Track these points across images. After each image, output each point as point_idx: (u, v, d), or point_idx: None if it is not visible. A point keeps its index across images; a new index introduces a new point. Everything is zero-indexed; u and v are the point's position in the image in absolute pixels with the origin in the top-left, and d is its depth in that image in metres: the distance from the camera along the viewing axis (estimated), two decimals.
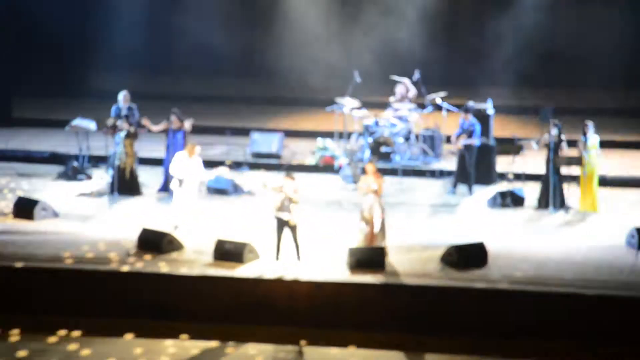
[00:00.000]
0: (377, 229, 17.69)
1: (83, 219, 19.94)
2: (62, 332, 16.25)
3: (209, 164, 22.34)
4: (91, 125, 23.26)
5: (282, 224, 17.18)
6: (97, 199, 21.36)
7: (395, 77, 24.16)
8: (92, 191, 21.94)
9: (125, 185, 21.42)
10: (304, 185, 18.13)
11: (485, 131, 22.44)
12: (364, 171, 18.11)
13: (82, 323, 16.55)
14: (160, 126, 21.63)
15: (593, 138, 20.48)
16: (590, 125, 20.53)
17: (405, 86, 24.15)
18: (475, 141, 21.63)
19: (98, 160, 23.37)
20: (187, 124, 21.49)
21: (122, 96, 22.45)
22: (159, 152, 22.52)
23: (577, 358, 15.62)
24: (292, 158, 24.02)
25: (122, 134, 21.47)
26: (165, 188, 21.12)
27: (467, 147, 21.56)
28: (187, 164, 18.86)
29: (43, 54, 30.03)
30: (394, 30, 29.45)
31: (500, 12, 28.99)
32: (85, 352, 15.70)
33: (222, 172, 19.59)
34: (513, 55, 28.62)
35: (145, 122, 21.68)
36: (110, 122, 21.64)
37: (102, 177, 22.51)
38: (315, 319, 16.45)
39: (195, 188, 19.02)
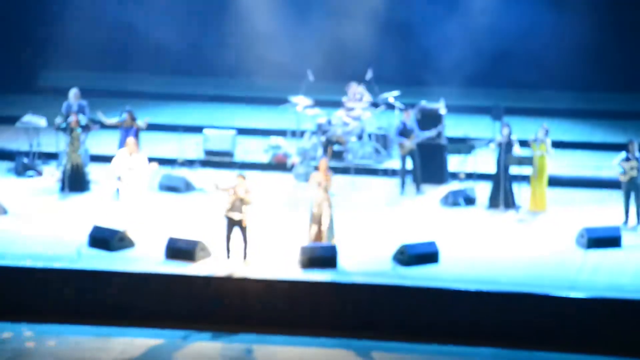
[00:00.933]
0: (325, 226, 17.71)
1: (32, 216, 19.76)
2: (9, 332, 16.11)
3: (161, 161, 22.25)
4: (41, 121, 23.07)
5: (232, 223, 17.15)
6: (47, 196, 21.18)
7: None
8: (42, 188, 21.75)
9: (75, 182, 21.25)
10: (256, 183, 18.10)
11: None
12: (316, 168, 18.14)
13: (30, 322, 16.42)
14: (113, 120, 21.57)
15: (545, 139, 20.62)
16: (544, 127, 20.71)
17: (356, 89, 24.15)
18: (433, 132, 21.78)
19: (48, 157, 23.17)
20: (142, 123, 21.46)
21: (72, 93, 22.31)
22: (111, 148, 22.34)
23: (528, 357, 15.75)
24: (244, 156, 23.96)
25: (76, 130, 21.31)
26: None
27: (417, 146, 21.70)
28: (128, 162, 18.76)
29: None
30: (346, 30, 29.51)
31: (451, 12, 29.13)
32: (35, 350, 15.57)
33: (153, 168, 19.27)
34: (464, 55, 28.74)
35: (99, 115, 21.58)
36: (60, 119, 21.56)
37: (52, 174, 22.32)
38: (266, 317, 16.44)
39: (140, 185, 18.89)
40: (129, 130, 21.27)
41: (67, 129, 21.29)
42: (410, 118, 21.91)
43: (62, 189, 21.19)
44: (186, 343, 15.99)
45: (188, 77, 31.41)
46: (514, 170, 20.66)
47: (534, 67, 29.67)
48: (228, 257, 17.20)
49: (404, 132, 21.73)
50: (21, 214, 19.86)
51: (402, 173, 21.90)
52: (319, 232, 17.75)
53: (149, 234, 18.44)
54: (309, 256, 17.25)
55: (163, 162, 22.93)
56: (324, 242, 17.66)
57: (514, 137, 20.64)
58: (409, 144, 21.67)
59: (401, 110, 22.91)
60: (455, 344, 16.02)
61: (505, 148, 20.54)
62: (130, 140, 19.21)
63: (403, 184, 21.85)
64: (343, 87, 24.41)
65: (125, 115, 21.42)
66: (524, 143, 21.03)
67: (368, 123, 23.98)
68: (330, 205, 17.79)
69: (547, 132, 20.67)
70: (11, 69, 29.60)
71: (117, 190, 19.35)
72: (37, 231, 18.85)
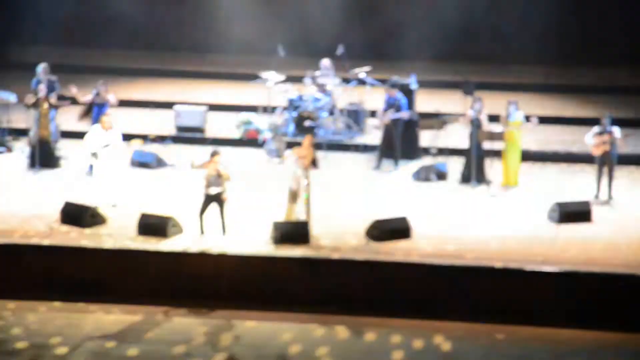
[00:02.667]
0: (300, 202, 17.71)
1: (3, 192, 19.65)
2: None
3: (133, 137, 22.20)
4: (11, 97, 22.92)
5: (210, 199, 17.14)
6: (17, 172, 21.06)
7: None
8: (12, 164, 21.63)
9: (44, 158, 21.12)
10: (229, 159, 18.07)
11: (409, 106, 22.52)
12: (290, 145, 18.08)
13: (1, 298, 16.36)
14: (88, 97, 21.42)
15: (516, 114, 20.69)
16: (514, 101, 20.77)
17: (329, 63, 24.13)
18: (405, 114, 21.71)
19: (18, 133, 23.02)
20: (112, 98, 21.34)
21: (41, 69, 22.14)
22: (83, 125, 22.23)
23: (501, 331, 15.83)
24: (215, 132, 23.90)
25: (44, 106, 21.19)
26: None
27: (394, 122, 21.64)
28: (103, 137, 18.69)
29: None
30: (316, 5, 29.52)
31: None
32: (7, 327, 15.51)
33: (136, 145, 19.32)
34: (436, 30, 28.80)
35: (73, 90, 21.40)
36: (31, 95, 21.40)
37: (22, 150, 22.19)
38: (239, 293, 16.45)
39: (115, 161, 18.81)
40: (102, 106, 21.16)
41: (36, 105, 21.12)
42: (395, 94, 21.77)
43: (32, 165, 21.05)
44: (159, 319, 15.97)
45: (159, 53, 31.29)
46: (486, 145, 20.71)
47: (504, 42, 29.78)
48: (202, 232, 17.19)
49: (388, 107, 21.68)
50: None
51: (380, 148, 21.86)
52: (296, 208, 17.73)
53: (121, 210, 18.38)
54: (282, 232, 17.25)
55: (134, 137, 22.92)
56: (300, 218, 17.64)
57: (484, 113, 20.67)
58: (383, 119, 21.64)
59: (386, 86, 22.52)
60: (428, 318, 16.07)
61: (477, 123, 20.59)
62: (106, 116, 19.12)
63: (380, 158, 21.81)
64: (313, 63, 24.37)
65: (99, 91, 21.30)
66: (496, 118, 21.09)
67: (339, 99, 23.96)
68: (308, 182, 17.77)
69: (510, 104, 20.65)
70: None
71: (90, 166, 19.24)
72: (8, 207, 18.74)
